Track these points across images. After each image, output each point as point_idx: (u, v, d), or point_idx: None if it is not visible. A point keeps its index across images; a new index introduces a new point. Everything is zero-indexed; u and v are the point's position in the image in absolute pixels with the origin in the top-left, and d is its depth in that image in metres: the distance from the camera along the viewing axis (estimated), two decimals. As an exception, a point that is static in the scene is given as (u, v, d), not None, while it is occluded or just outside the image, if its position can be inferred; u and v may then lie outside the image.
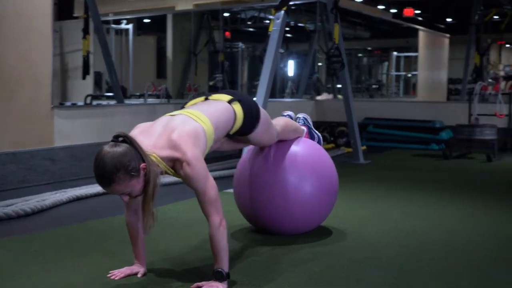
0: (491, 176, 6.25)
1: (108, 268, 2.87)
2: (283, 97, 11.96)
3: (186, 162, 2.51)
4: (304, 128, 3.71)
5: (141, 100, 9.90)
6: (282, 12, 5.76)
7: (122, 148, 2.44)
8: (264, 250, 3.29)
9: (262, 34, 13.26)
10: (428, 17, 16.04)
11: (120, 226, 3.80)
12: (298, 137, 3.57)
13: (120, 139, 2.49)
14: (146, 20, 12.68)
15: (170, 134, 2.57)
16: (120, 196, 2.52)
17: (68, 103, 9.06)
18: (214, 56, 11.89)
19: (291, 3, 5.96)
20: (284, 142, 3.48)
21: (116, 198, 4.70)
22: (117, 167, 2.40)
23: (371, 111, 9.49)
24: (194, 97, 3.05)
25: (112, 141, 2.49)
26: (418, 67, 15.01)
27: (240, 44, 13.15)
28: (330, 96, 11.34)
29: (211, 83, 12.09)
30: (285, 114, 3.69)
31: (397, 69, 17.12)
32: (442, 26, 17.05)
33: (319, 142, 3.76)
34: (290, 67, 13.55)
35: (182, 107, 2.93)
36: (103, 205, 4.64)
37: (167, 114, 2.78)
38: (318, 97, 10.90)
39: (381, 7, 14.26)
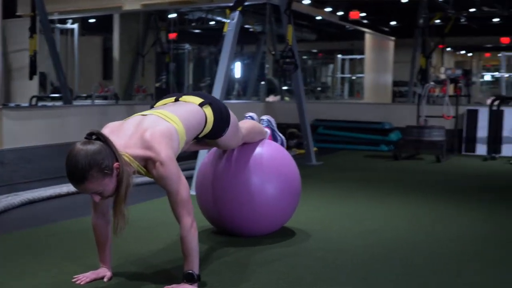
0: (443, 176, 6.37)
1: (71, 273, 2.78)
2: (229, 98, 11.92)
3: (160, 161, 2.46)
4: (268, 130, 3.69)
5: (87, 101, 9.71)
6: (237, 12, 5.74)
7: (96, 146, 2.37)
8: (230, 251, 3.26)
9: (208, 36, 13.23)
10: (373, 20, 16.26)
11: (78, 229, 3.71)
12: (262, 139, 3.55)
13: (94, 137, 2.42)
14: (92, 20, 12.45)
15: (143, 134, 2.51)
16: (91, 196, 2.45)
17: (12, 104, 8.80)
18: (161, 57, 11.78)
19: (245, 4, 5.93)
20: (247, 144, 3.45)
21: (71, 202, 4.63)
22: (90, 164, 2.33)
23: (321, 113, 9.54)
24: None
25: (85, 138, 2.42)
26: (364, 70, 15.21)
27: (187, 46, 13.06)
28: (277, 98, 11.36)
29: (157, 84, 11.99)
30: (248, 115, 3.66)
31: (342, 72, 17.31)
32: (387, 29, 17.31)
33: (282, 144, 3.76)
34: (237, 69, 13.52)
35: (152, 107, 2.88)
36: (58, 208, 4.50)
37: (137, 114, 2.72)
38: (267, 99, 10.91)
39: (328, 9, 14.35)
